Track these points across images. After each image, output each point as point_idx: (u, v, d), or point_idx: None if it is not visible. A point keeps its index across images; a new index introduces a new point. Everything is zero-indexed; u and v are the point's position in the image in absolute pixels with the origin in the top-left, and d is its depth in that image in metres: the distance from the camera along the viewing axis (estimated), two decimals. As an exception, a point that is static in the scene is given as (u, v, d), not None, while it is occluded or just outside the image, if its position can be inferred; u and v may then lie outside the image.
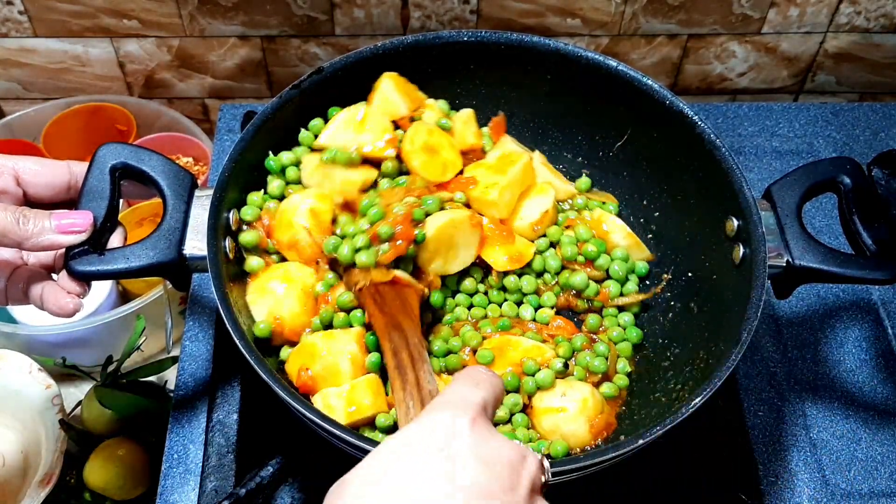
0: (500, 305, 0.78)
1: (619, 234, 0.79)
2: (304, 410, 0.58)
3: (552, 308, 0.78)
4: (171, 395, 0.82)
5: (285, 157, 0.75)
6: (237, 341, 0.61)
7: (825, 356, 0.87)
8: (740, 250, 0.69)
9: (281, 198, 0.74)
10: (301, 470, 0.76)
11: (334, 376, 0.67)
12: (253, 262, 0.71)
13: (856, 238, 0.69)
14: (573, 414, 0.68)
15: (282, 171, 0.75)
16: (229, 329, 0.62)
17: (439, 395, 0.50)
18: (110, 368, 0.97)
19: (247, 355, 0.60)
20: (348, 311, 0.70)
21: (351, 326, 0.70)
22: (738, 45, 1.15)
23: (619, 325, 0.77)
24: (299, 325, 0.71)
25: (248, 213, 0.72)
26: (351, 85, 0.78)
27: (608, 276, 0.78)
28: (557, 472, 0.57)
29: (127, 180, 0.68)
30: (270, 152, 0.75)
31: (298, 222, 0.71)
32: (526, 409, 0.71)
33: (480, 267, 0.78)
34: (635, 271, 0.79)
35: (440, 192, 0.74)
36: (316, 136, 0.75)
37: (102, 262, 0.63)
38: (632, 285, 0.79)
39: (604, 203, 0.82)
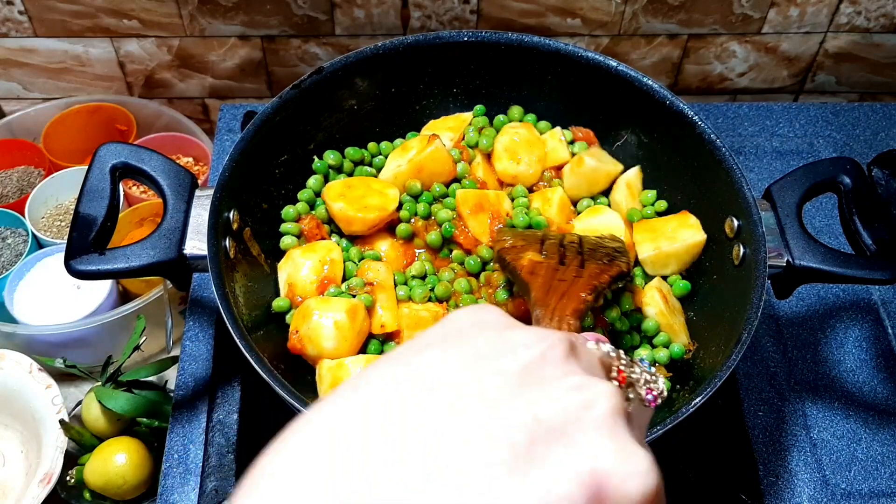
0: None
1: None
2: (299, 406, 0.58)
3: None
4: (171, 395, 0.82)
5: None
6: (237, 341, 0.61)
7: (825, 356, 0.87)
8: (740, 250, 0.69)
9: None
10: (301, 470, 0.75)
11: (318, 338, 0.67)
12: (287, 239, 0.75)
13: (856, 238, 0.69)
14: None
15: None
16: (229, 328, 0.62)
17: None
18: (110, 368, 0.97)
19: (247, 354, 0.60)
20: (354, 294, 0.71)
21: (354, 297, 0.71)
22: (739, 45, 1.15)
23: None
24: (310, 294, 0.72)
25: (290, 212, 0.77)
26: (351, 85, 0.78)
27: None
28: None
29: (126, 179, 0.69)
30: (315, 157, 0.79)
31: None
32: None
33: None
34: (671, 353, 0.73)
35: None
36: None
37: (102, 261, 0.63)
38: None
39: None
